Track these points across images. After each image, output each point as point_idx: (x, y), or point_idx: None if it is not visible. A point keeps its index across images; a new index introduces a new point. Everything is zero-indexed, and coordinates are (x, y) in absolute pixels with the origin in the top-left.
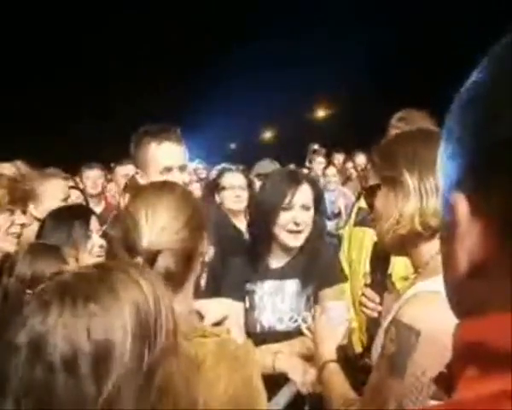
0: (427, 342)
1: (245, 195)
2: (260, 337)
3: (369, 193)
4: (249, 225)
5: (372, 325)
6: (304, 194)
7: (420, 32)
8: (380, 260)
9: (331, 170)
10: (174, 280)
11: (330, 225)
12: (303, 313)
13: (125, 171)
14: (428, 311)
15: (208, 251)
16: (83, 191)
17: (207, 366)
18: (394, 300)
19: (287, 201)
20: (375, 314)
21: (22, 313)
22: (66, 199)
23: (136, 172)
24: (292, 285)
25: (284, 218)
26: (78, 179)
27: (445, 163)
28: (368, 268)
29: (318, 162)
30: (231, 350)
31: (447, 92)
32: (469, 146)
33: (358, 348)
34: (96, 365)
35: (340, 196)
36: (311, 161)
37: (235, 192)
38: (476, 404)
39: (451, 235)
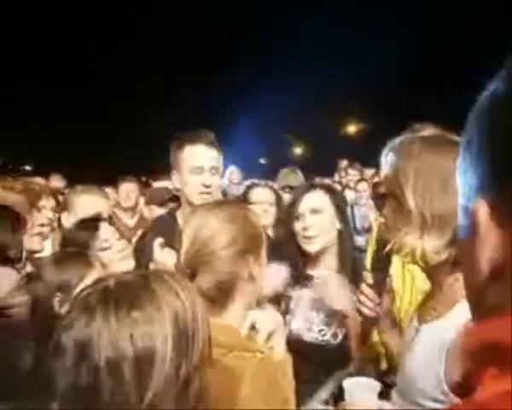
0: None
1: (272, 210)
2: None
3: (382, 201)
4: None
5: (368, 325)
6: (312, 199)
7: (452, 47)
8: (380, 259)
9: (362, 185)
10: (215, 300)
11: (360, 240)
12: (335, 330)
13: (160, 186)
14: None
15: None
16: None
17: (246, 383)
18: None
19: (297, 210)
20: (374, 314)
21: (65, 316)
22: (98, 214)
23: (172, 174)
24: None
25: (297, 226)
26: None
27: (464, 171)
28: (368, 267)
29: (351, 176)
30: (272, 370)
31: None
32: (489, 154)
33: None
34: (139, 371)
35: (371, 211)
36: (340, 176)
37: (262, 207)
38: (494, 403)
39: (472, 240)
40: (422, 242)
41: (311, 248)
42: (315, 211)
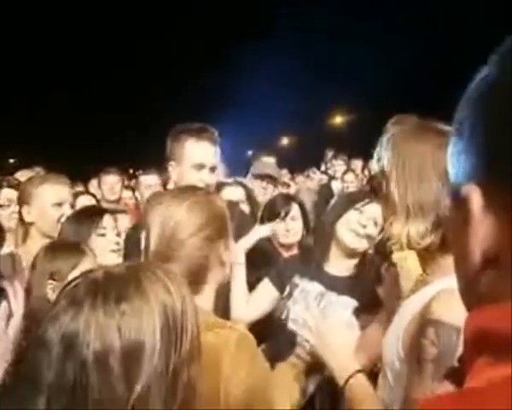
0: None
1: (245, 207)
2: (281, 324)
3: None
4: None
5: None
6: (377, 210)
7: (437, 42)
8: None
9: (349, 176)
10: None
11: None
12: (350, 300)
13: (149, 181)
14: (462, 309)
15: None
16: (95, 196)
17: (230, 353)
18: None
19: (360, 208)
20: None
21: (51, 308)
22: (59, 204)
23: (170, 165)
24: (332, 297)
25: (353, 221)
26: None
27: (455, 157)
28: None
29: (337, 166)
30: (252, 345)
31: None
32: (481, 139)
33: None
34: (127, 364)
35: None
36: (327, 167)
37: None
38: (488, 391)
39: (464, 227)
40: (407, 228)
41: (355, 245)
42: (376, 222)
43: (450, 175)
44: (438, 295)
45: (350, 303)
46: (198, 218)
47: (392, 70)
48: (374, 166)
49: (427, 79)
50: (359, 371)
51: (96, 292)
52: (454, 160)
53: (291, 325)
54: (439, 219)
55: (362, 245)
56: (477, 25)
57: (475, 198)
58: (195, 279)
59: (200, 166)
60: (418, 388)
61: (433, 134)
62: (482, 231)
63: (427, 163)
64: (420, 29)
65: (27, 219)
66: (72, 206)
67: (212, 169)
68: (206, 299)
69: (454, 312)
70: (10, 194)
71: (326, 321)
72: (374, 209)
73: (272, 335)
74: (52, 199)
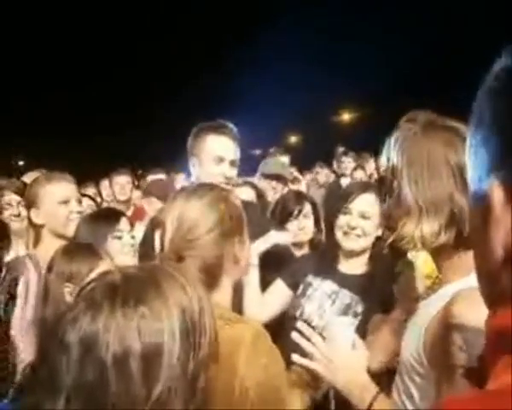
0: None
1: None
2: (295, 323)
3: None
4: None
5: None
6: (366, 201)
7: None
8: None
9: (359, 173)
10: (202, 283)
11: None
12: (349, 318)
13: (157, 178)
14: (484, 308)
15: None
16: (94, 199)
17: (246, 350)
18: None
19: (348, 206)
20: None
21: (70, 310)
22: (66, 202)
23: (190, 161)
24: (346, 297)
25: (341, 221)
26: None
27: (475, 150)
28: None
29: (347, 163)
30: (268, 341)
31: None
32: (502, 132)
33: None
34: (147, 366)
35: None
36: (339, 165)
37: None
38: (506, 393)
39: (485, 223)
40: (420, 228)
41: (348, 245)
42: (366, 216)
43: (469, 169)
44: (458, 296)
45: (349, 322)
46: (214, 214)
47: (392, 70)
48: (383, 166)
49: (427, 79)
50: (378, 392)
51: (114, 294)
52: (473, 153)
53: (296, 339)
54: (453, 216)
55: (359, 244)
56: (477, 25)
57: (496, 194)
58: (211, 275)
59: (220, 160)
60: (450, 392)
61: (441, 131)
62: (503, 226)
63: (438, 160)
64: (420, 29)
65: (37, 221)
66: (80, 202)
67: (233, 163)
68: (222, 295)
69: (477, 313)
70: (9, 198)
71: (332, 349)
72: (361, 202)
73: (286, 333)
74: (58, 198)
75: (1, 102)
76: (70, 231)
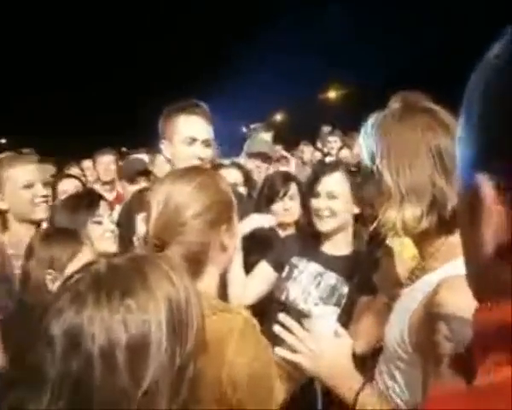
0: None
1: (242, 189)
2: (280, 307)
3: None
4: None
5: None
6: (331, 182)
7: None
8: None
9: (345, 152)
10: (187, 270)
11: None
12: (330, 308)
13: (135, 158)
14: (470, 296)
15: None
16: (80, 180)
17: (234, 339)
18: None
19: (316, 189)
20: None
21: (54, 302)
22: (29, 186)
23: (162, 143)
24: (331, 278)
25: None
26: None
27: (464, 141)
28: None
29: (333, 142)
30: (255, 330)
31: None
32: (493, 122)
33: None
34: (133, 359)
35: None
36: (324, 144)
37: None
38: (499, 389)
39: (475, 217)
40: (402, 213)
41: (322, 227)
42: (332, 196)
43: (459, 160)
44: (443, 284)
45: (331, 311)
46: (202, 199)
47: (392, 70)
48: (363, 153)
49: (427, 78)
50: (363, 383)
51: (99, 286)
52: (462, 144)
53: (276, 330)
54: (434, 201)
55: (330, 225)
56: (477, 25)
57: (487, 188)
58: (197, 263)
59: (192, 140)
60: (438, 379)
61: (420, 114)
62: (494, 220)
63: (418, 144)
64: (420, 29)
65: (1, 206)
66: (54, 187)
67: (206, 143)
68: (208, 283)
69: (462, 302)
70: None
71: (315, 340)
72: (328, 183)
73: (272, 316)
74: (21, 182)
75: (1, 102)
76: (37, 215)
